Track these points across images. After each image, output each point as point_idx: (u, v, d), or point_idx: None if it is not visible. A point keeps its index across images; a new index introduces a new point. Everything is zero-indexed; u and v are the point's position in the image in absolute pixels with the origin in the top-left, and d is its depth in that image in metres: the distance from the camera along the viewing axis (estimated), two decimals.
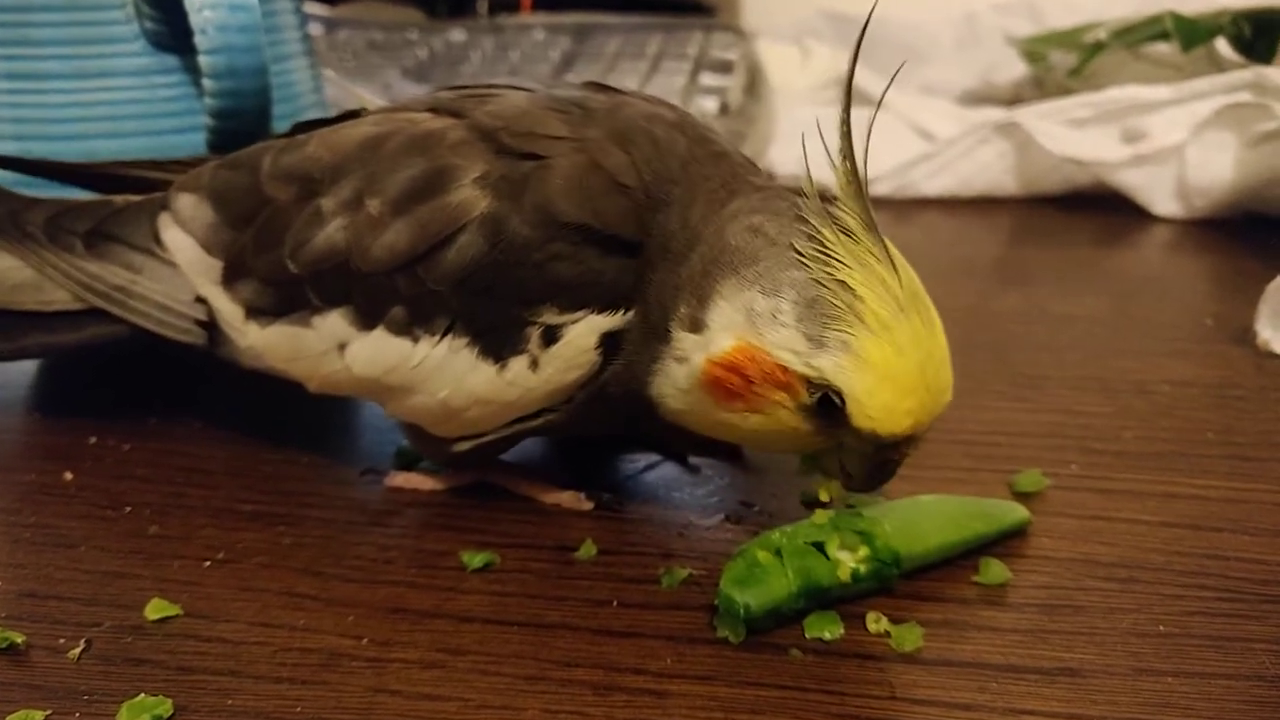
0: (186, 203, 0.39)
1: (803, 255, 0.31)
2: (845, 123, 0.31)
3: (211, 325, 0.39)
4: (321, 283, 0.36)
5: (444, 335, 0.34)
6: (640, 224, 0.33)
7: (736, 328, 0.32)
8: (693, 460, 0.41)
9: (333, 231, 0.35)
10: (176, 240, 0.39)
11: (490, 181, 0.33)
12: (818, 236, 0.31)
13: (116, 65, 0.47)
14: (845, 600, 0.33)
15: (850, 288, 0.30)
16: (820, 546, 0.32)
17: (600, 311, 0.33)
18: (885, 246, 0.31)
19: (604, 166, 0.34)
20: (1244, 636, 0.32)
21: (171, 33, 0.46)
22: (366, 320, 0.35)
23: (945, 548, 0.34)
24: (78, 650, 0.31)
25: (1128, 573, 0.34)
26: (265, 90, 0.44)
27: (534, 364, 0.34)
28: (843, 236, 0.31)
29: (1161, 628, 0.32)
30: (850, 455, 0.33)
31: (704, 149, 0.35)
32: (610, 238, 0.33)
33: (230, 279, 0.38)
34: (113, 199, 0.42)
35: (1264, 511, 0.38)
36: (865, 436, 0.31)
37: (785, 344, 0.31)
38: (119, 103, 0.47)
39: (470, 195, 0.33)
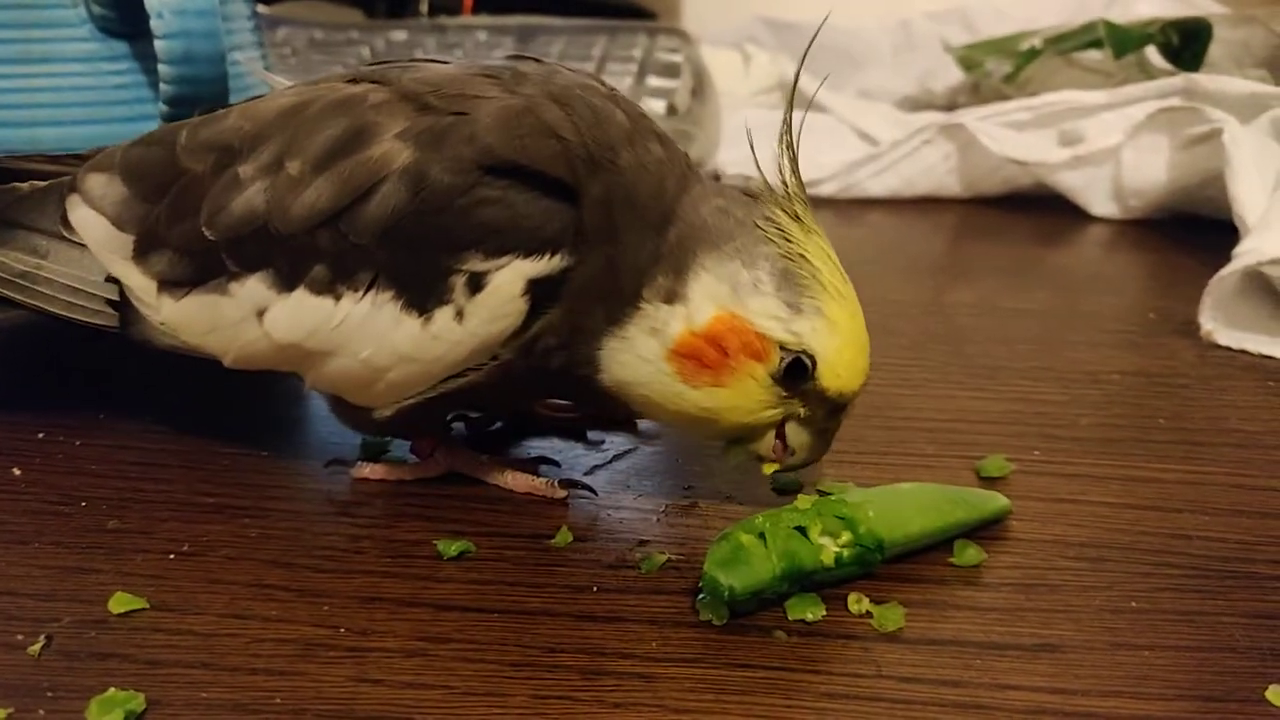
0: (97, 182, 0.38)
1: (767, 232, 0.33)
2: (787, 121, 0.34)
3: (123, 305, 0.38)
4: (239, 248, 0.35)
5: (366, 291, 0.34)
6: (574, 171, 0.33)
7: (720, 297, 0.33)
8: (650, 443, 0.41)
9: (251, 195, 0.34)
10: (86, 219, 0.38)
11: (412, 134, 0.33)
12: (774, 217, 0.33)
13: (62, 51, 0.45)
14: (828, 584, 0.33)
15: (809, 260, 0.33)
16: (803, 531, 0.32)
17: (527, 256, 0.33)
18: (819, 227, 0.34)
19: (536, 112, 0.33)
20: (1212, 611, 0.32)
21: (120, 18, 0.45)
22: (286, 283, 0.34)
23: (928, 534, 0.34)
24: (38, 646, 0.30)
25: (1097, 552, 0.35)
26: (223, 77, 0.43)
27: (459, 314, 0.33)
28: (792, 218, 0.34)
29: (1134, 604, 0.33)
30: (797, 426, 0.35)
31: (643, 125, 0.36)
32: (538, 177, 0.33)
33: (142, 252, 0.36)
34: (16, 186, 0.40)
35: (1220, 493, 0.39)
36: (827, 397, 0.33)
37: (766, 310, 0.33)
38: (64, 89, 0.46)
39: (392, 148, 0.33)
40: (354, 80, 0.36)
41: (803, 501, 0.33)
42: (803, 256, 0.33)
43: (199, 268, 0.35)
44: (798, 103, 0.34)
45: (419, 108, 0.34)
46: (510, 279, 0.33)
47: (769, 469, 0.36)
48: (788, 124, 0.34)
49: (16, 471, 0.39)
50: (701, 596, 0.32)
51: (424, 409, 0.36)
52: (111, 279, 0.38)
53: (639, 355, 0.34)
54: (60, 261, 0.39)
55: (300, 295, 0.34)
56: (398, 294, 0.34)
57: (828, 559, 0.32)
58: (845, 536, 0.32)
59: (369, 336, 0.34)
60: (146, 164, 0.37)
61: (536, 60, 0.37)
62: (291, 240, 0.34)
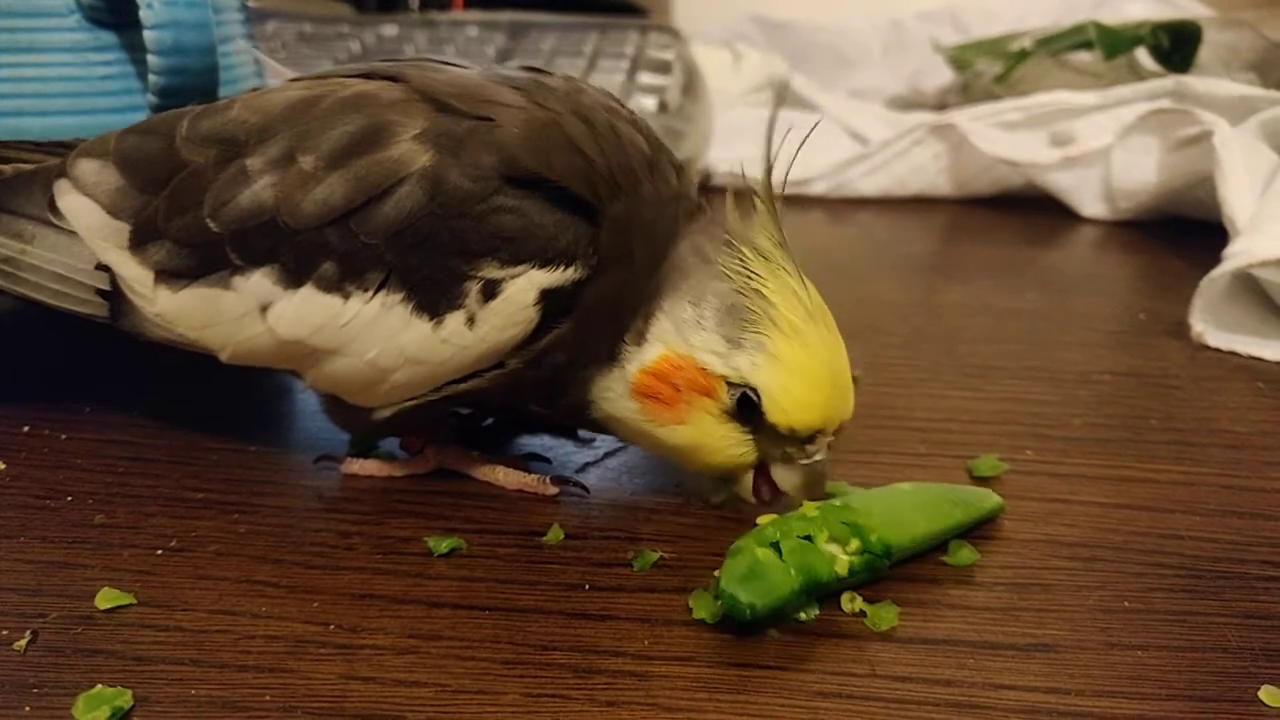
0: (89, 168, 0.37)
1: (725, 268, 0.33)
2: (767, 151, 0.33)
3: (114, 294, 0.37)
4: (245, 241, 0.34)
5: (377, 291, 0.33)
6: (595, 191, 0.33)
7: (666, 336, 0.34)
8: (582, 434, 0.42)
9: (260, 189, 0.34)
10: (76, 206, 0.37)
11: (431, 137, 0.33)
12: (738, 253, 0.33)
13: (48, 40, 0.45)
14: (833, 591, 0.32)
15: (765, 296, 0.33)
16: (809, 539, 0.32)
17: (542, 266, 0.33)
18: (796, 264, 0.33)
19: (563, 128, 0.33)
20: (1204, 611, 0.32)
21: (108, 8, 0.45)
22: (293, 278, 0.34)
23: (931, 536, 0.34)
24: (24, 641, 0.29)
25: (1090, 552, 0.35)
26: (213, 69, 0.43)
27: (471, 320, 0.33)
28: (758, 253, 0.33)
29: (1127, 604, 0.32)
30: (777, 466, 0.35)
31: (662, 155, 0.36)
32: (558, 191, 0.33)
33: (139, 242, 0.36)
34: (0, 169, 0.40)
35: (1211, 494, 0.39)
36: (782, 433, 0.33)
37: (706, 346, 0.33)
38: (51, 79, 0.45)
39: (410, 149, 0.33)
40: (367, 76, 0.36)
41: (809, 508, 0.33)
42: (757, 292, 0.33)
43: (200, 260, 0.35)
44: (791, 103, 0.34)
45: (438, 109, 0.34)
46: (524, 288, 0.33)
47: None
48: (767, 153, 0.33)
49: (1, 465, 0.39)
50: (694, 594, 0.31)
51: (424, 411, 0.36)
52: (102, 267, 0.37)
53: (614, 393, 0.35)
54: (46, 248, 0.38)
55: (307, 292, 0.34)
56: (409, 296, 0.33)
57: (842, 569, 0.31)
58: (854, 544, 0.32)
59: (377, 337, 0.34)
60: (144, 153, 0.36)
61: (563, 76, 0.37)
62: (300, 236, 0.33)
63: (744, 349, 0.33)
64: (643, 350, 0.34)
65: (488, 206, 0.33)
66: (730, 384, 0.33)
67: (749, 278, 0.33)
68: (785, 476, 0.35)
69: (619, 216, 0.34)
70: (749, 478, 0.35)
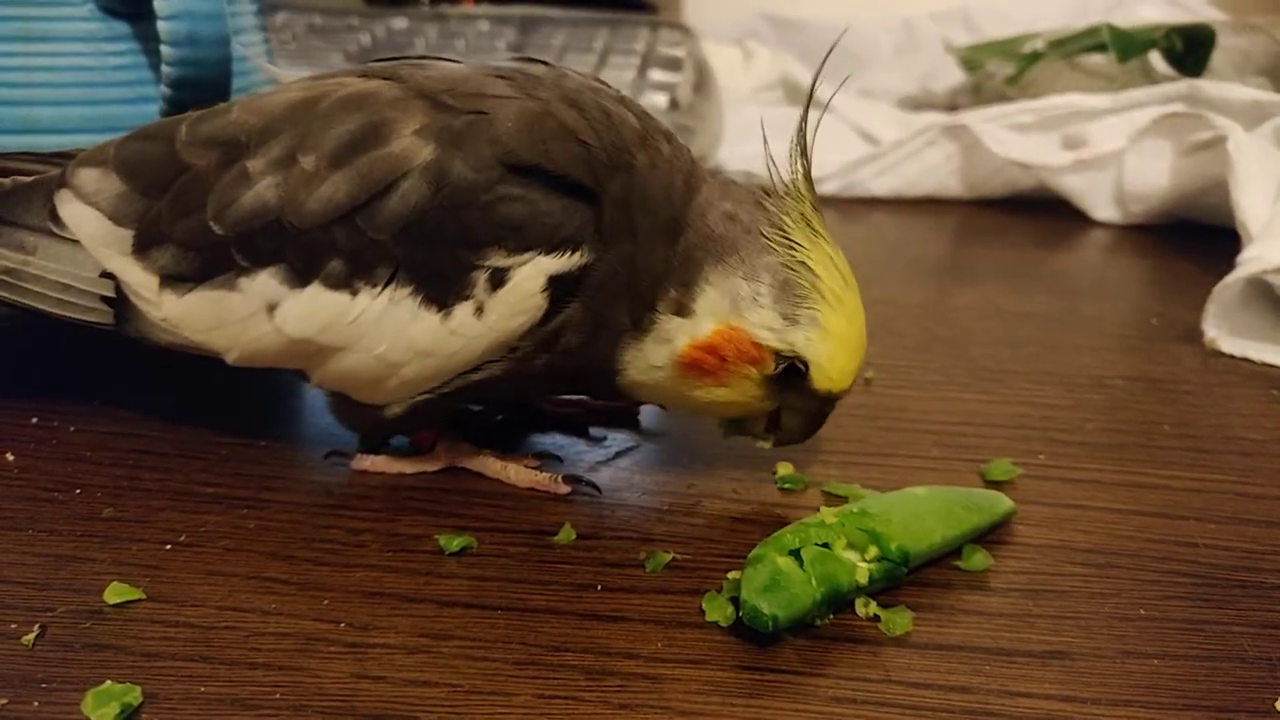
0: (90, 176, 0.37)
1: (770, 240, 0.34)
2: (803, 122, 0.34)
3: (119, 301, 0.37)
4: (249, 243, 0.34)
5: (385, 286, 0.33)
6: (594, 175, 0.33)
7: (721, 312, 0.34)
8: (653, 440, 0.41)
9: (262, 190, 0.34)
10: (78, 214, 0.37)
11: (432, 131, 0.33)
12: (779, 223, 0.34)
13: (61, 29, 0.45)
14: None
15: (810, 268, 0.34)
16: (827, 546, 0.31)
17: (549, 253, 0.33)
18: (827, 226, 0.35)
19: (556, 116, 0.34)
20: (1221, 620, 0.32)
21: None
22: (300, 277, 0.34)
23: (947, 542, 0.34)
24: (32, 636, 0.29)
25: (1105, 559, 0.35)
26: (226, 60, 0.42)
27: (479, 309, 0.33)
28: (800, 221, 0.34)
29: (1142, 612, 0.32)
30: (790, 413, 0.36)
31: (651, 125, 0.36)
32: (559, 179, 0.33)
33: (143, 247, 0.36)
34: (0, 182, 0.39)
35: (1226, 501, 0.39)
36: (818, 395, 0.35)
37: (764, 323, 0.34)
38: (63, 69, 0.45)
39: (412, 144, 0.33)
40: (364, 76, 0.36)
41: (827, 514, 0.32)
42: (804, 265, 0.34)
43: (205, 263, 0.35)
44: (800, 101, 0.34)
45: (435, 106, 0.34)
46: (532, 274, 0.33)
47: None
48: (802, 128, 0.34)
49: (10, 457, 0.39)
50: (706, 596, 0.31)
51: (435, 405, 0.36)
52: (105, 274, 0.37)
53: (651, 363, 0.35)
54: (49, 258, 0.38)
55: (315, 290, 0.34)
56: (417, 289, 0.33)
57: (862, 578, 0.31)
58: (872, 551, 0.32)
59: (386, 331, 0.34)
60: (145, 159, 0.36)
61: (544, 63, 0.37)
62: (305, 235, 0.33)
63: (799, 325, 0.34)
64: (692, 323, 0.34)
65: (493, 196, 0.33)
66: (779, 355, 0.34)
67: (793, 248, 0.34)
68: (791, 421, 0.37)
69: (617, 195, 0.34)
70: (763, 420, 0.37)
